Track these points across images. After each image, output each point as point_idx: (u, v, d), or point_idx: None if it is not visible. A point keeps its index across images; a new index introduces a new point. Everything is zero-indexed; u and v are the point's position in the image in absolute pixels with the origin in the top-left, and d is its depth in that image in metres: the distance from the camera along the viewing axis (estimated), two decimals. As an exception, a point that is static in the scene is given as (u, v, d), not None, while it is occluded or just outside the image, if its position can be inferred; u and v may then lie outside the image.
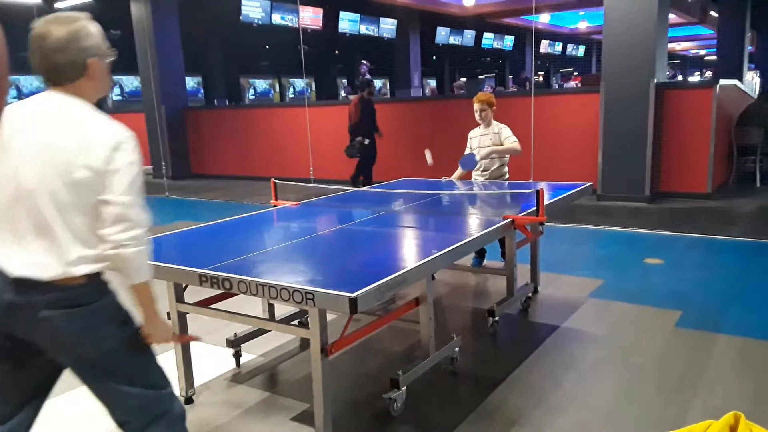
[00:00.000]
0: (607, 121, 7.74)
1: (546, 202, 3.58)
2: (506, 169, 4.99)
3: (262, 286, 2.33)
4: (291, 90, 24.46)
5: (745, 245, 5.76)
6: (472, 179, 5.07)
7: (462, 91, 14.66)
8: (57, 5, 12.53)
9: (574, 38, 27.62)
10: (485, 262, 5.08)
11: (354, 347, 3.37)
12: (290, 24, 16.04)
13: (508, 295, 3.99)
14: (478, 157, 4.84)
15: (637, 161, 7.60)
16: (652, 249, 5.76)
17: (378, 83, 12.72)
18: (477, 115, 4.93)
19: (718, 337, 3.65)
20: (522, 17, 19.70)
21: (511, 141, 4.82)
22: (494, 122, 4.95)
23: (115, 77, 19.84)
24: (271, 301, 3.57)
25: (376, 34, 18.92)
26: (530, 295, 4.33)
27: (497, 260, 5.00)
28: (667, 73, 9.12)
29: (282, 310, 3.73)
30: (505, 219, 3.39)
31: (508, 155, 4.92)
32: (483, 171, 4.99)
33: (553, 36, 26.18)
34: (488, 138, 4.91)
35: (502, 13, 18.90)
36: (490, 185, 4.89)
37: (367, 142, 8.34)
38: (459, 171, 5.12)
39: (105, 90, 1.90)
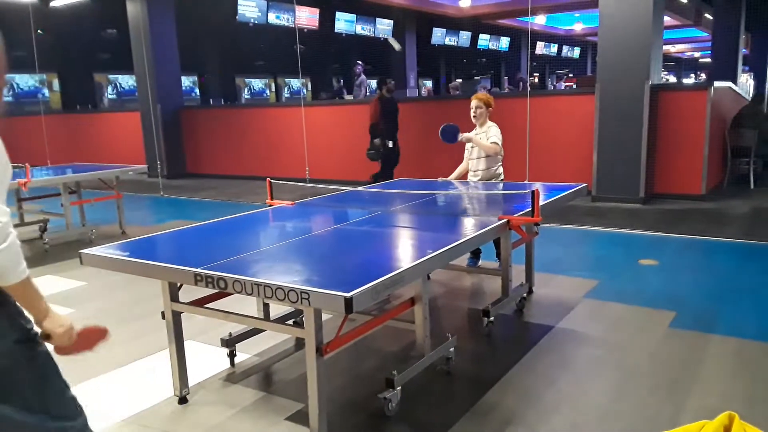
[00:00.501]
0: (602, 123, 7.76)
1: (541, 202, 3.59)
2: (501, 170, 4.99)
3: (258, 285, 2.32)
4: (287, 90, 24.44)
5: (738, 246, 5.78)
6: (468, 180, 5.08)
7: (458, 92, 14.68)
8: (52, 4, 12.51)
9: (570, 40, 27.69)
10: (480, 263, 5.09)
11: (349, 347, 3.36)
12: (286, 23, 16.03)
13: (503, 295, 4.00)
14: (460, 137, 4.88)
15: (631, 162, 7.62)
16: (646, 250, 5.78)
17: (373, 83, 12.67)
18: (472, 113, 4.93)
19: (712, 338, 3.66)
20: (518, 19, 19.73)
21: (492, 140, 4.83)
22: (488, 122, 4.96)
23: (111, 76, 19.79)
24: (266, 301, 3.56)
25: (372, 35, 18.92)
26: (525, 295, 4.34)
27: (492, 261, 5.02)
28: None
29: (277, 309, 3.73)
30: (500, 219, 3.40)
31: (500, 156, 4.92)
32: (475, 171, 5.00)
33: (548, 37, 26.25)
34: (479, 138, 4.92)
35: (497, 14, 18.93)
36: (485, 186, 4.89)
37: (391, 144, 7.95)
38: (456, 172, 5.12)
39: None
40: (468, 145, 4.99)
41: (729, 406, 2.18)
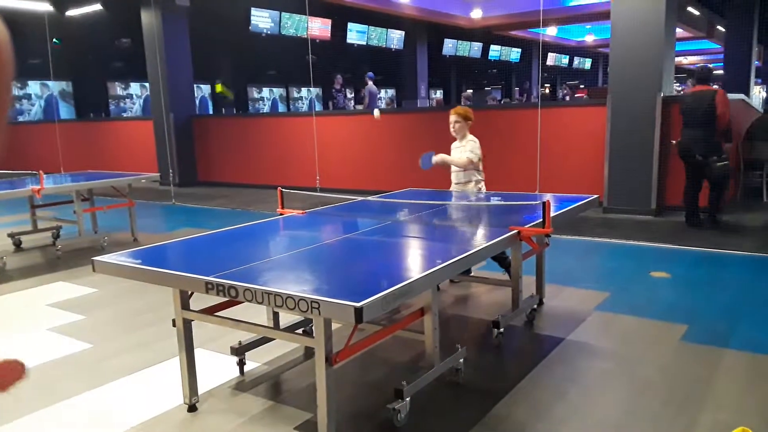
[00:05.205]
0: (614, 134, 7.74)
1: (552, 213, 3.58)
2: (481, 184, 4.98)
3: (268, 294, 2.33)
4: (301, 99, 24.45)
5: (751, 260, 5.73)
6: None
7: (469, 103, 14.76)
8: (68, 13, 12.66)
9: (581, 51, 27.69)
10: (491, 274, 5.07)
11: (358, 357, 3.37)
12: (298, 33, 16.11)
13: (513, 306, 3.98)
14: (433, 160, 4.92)
15: (643, 174, 7.59)
16: (658, 262, 5.74)
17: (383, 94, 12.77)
18: (451, 127, 4.95)
19: (725, 352, 3.63)
20: (529, 30, 19.78)
21: (465, 155, 4.84)
22: (469, 135, 4.96)
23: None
24: (276, 310, 3.57)
25: (384, 45, 18.99)
26: (535, 307, 4.31)
27: (502, 272, 4.99)
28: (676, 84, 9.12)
29: (287, 318, 3.73)
30: (510, 230, 3.39)
31: (478, 171, 4.94)
32: (456, 183, 5.04)
33: (560, 49, 26.27)
34: (459, 152, 4.95)
35: (509, 25, 19.00)
36: (496, 197, 4.88)
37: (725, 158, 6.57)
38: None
39: None
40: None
41: (742, 422, 2.16)
